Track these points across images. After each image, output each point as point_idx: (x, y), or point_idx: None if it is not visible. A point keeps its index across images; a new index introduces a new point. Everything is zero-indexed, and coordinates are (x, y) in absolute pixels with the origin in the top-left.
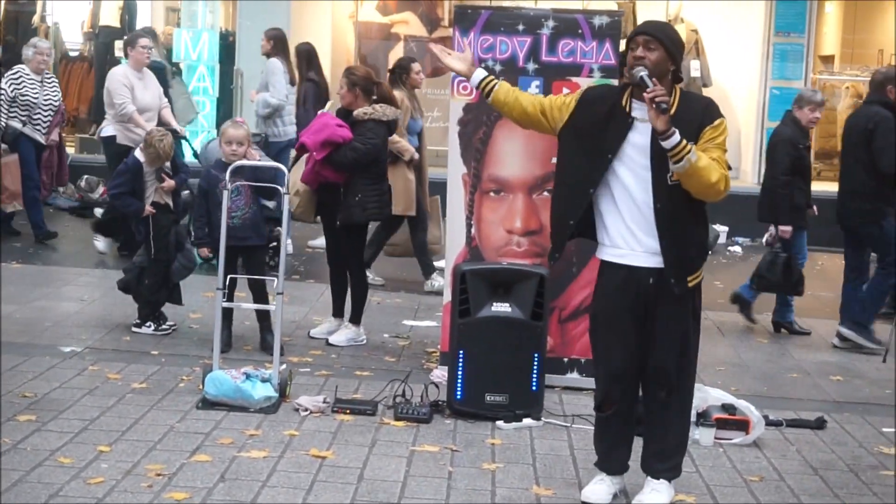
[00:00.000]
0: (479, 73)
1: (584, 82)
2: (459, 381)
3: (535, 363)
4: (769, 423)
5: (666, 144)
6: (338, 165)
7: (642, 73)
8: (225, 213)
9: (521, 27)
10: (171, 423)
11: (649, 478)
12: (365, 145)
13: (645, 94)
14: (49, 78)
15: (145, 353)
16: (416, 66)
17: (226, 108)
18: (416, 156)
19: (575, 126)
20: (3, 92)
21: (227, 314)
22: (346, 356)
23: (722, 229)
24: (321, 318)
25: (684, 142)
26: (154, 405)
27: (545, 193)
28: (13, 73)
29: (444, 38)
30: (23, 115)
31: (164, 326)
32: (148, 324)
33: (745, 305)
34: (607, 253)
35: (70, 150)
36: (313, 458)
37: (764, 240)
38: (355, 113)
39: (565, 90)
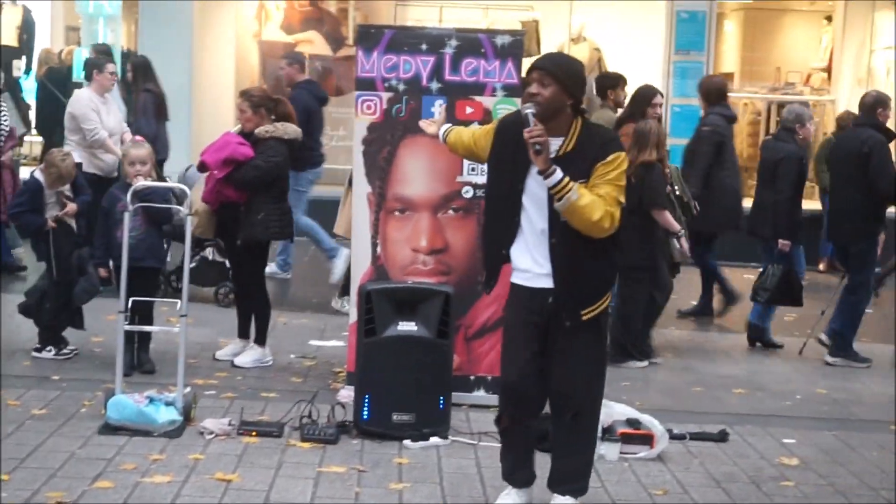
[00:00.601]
0: (443, 129)
1: (487, 101)
2: (366, 400)
3: (442, 382)
4: (673, 437)
5: (547, 183)
6: (239, 184)
7: (528, 110)
8: (126, 234)
9: (424, 46)
10: (72, 449)
11: (555, 494)
12: (267, 163)
13: (524, 134)
14: None
15: (46, 378)
16: None
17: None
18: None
19: (495, 155)
20: None
21: (130, 337)
22: (251, 378)
23: None
24: (227, 340)
25: (566, 180)
26: (55, 431)
27: (450, 212)
28: None
29: (349, 58)
30: None
31: (65, 350)
32: (49, 348)
33: (761, 333)
34: (517, 276)
35: None
36: (219, 481)
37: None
38: (257, 131)
39: (468, 109)
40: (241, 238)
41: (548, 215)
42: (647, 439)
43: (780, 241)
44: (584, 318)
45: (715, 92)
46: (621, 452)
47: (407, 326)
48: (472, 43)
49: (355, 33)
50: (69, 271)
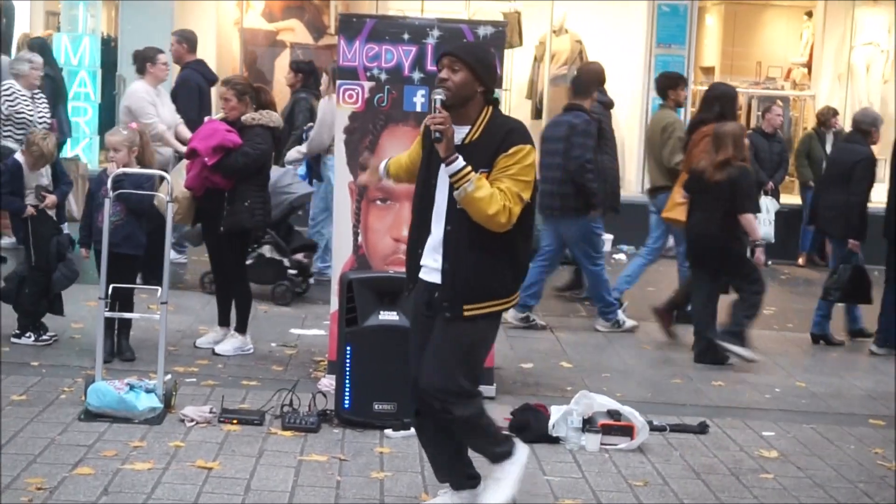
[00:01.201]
0: (381, 165)
1: None
2: (347, 389)
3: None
4: (653, 429)
5: (447, 171)
6: (228, 171)
7: (436, 96)
8: (106, 220)
9: (406, 36)
10: (52, 435)
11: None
12: (255, 150)
13: (426, 120)
14: (38, 94)
15: (25, 364)
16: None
17: (108, 115)
18: None
19: (422, 156)
20: None
21: (110, 324)
22: (232, 366)
23: (607, 237)
24: (207, 328)
25: (467, 170)
26: (34, 417)
27: None
28: (5, 90)
29: (330, 46)
30: (18, 134)
31: (44, 337)
32: (28, 334)
33: (827, 337)
34: (421, 270)
35: None
36: (199, 469)
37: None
38: (244, 118)
39: None
40: (226, 225)
41: (447, 205)
42: (628, 431)
43: (851, 240)
44: (466, 313)
45: (595, 79)
46: (602, 444)
47: (388, 316)
48: (454, 33)
49: (337, 22)
50: (48, 257)
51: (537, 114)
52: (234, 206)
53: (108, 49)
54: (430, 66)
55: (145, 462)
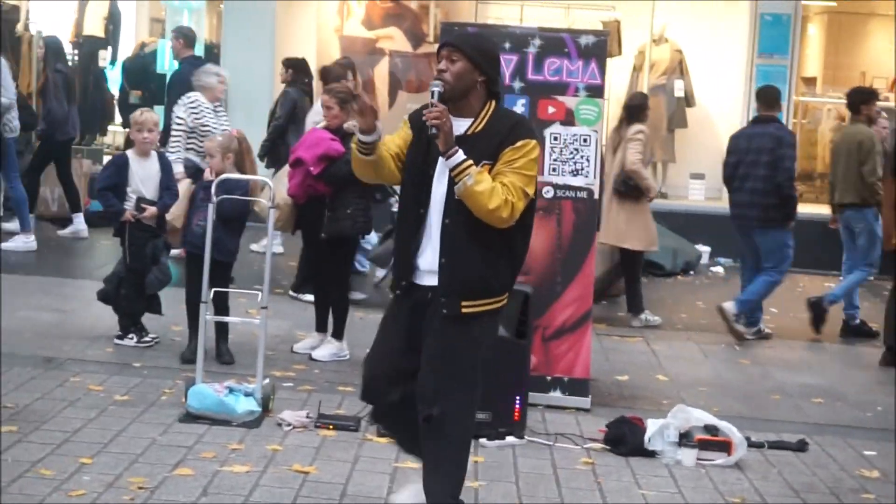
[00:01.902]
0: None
1: (569, 101)
2: None
3: (519, 382)
4: (751, 445)
5: (447, 164)
6: (333, 179)
7: (434, 88)
8: (210, 226)
9: (507, 45)
10: (153, 435)
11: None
12: None
13: (423, 114)
14: (219, 107)
15: (127, 364)
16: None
17: None
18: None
19: (410, 149)
20: (181, 121)
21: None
22: (328, 371)
23: (704, 250)
24: (305, 333)
25: (467, 163)
26: (136, 418)
27: None
28: (191, 102)
29: (429, 54)
30: (201, 147)
31: (146, 339)
32: (130, 336)
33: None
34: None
35: None
36: (296, 473)
37: None
38: (346, 126)
39: (550, 108)
40: (327, 232)
41: (446, 198)
42: (725, 446)
43: None
44: (464, 310)
45: (294, 65)
46: (698, 459)
47: None
48: (555, 43)
49: (436, 30)
50: (142, 260)
51: None
52: (335, 213)
53: (211, 56)
54: (532, 76)
55: (243, 465)
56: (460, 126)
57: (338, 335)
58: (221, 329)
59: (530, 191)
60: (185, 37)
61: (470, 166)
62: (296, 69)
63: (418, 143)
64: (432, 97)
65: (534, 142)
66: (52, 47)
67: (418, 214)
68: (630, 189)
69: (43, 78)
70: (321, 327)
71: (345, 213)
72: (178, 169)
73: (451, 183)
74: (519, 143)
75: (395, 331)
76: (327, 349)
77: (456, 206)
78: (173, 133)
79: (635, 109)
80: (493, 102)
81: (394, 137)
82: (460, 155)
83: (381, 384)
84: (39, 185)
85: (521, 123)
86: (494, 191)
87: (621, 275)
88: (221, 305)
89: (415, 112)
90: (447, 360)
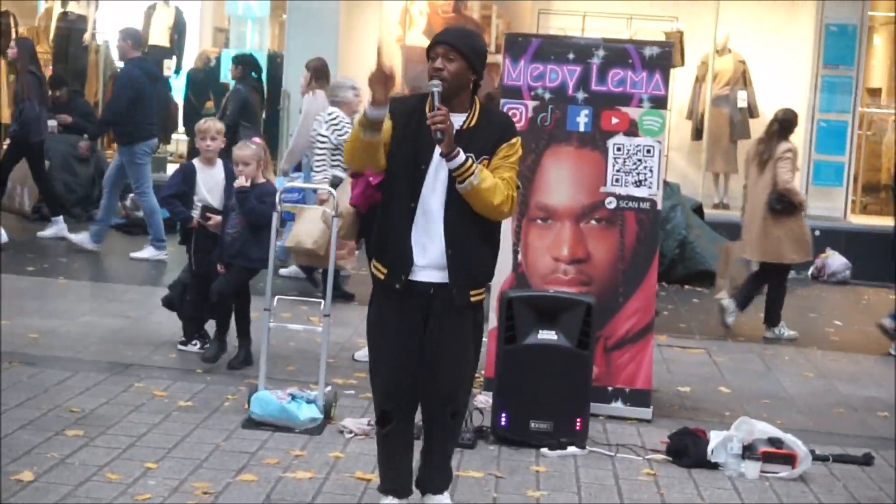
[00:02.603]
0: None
1: (633, 112)
2: (504, 407)
3: (581, 392)
4: (816, 458)
5: (450, 165)
6: None
7: (435, 88)
8: (274, 234)
9: (571, 56)
10: (216, 441)
11: (430, 494)
12: None
13: (428, 119)
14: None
15: (191, 370)
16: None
17: (272, 129)
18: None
19: (395, 142)
20: (325, 139)
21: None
22: None
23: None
24: (365, 341)
25: (469, 163)
26: (200, 423)
27: (592, 222)
28: (332, 119)
29: (490, 65)
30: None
31: (209, 345)
32: (194, 342)
33: None
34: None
35: None
36: (358, 480)
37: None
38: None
39: (614, 119)
40: None
41: (446, 191)
42: (790, 459)
43: None
44: (472, 299)
45: (242, 62)
46: (762, 471)
47: (548, 335)
48: (619, 53)
49: (499, 40)
50: (207, 266)
51: (697, 135)
52: None
53: (274, 65)
54: (595, 86)
55: (306, 471)
56: (458, 119)
57: None
58: (244, 332)
59: (519, 184)
60: (132, 38)
61: (472, 165)
62: (245, 65)
63: (404, 134)
64: (432, 98)
65: (520, 139)
66: (25, 49)
67: (410, 208)
68: (785, 206)
69: (16, 79)
70: None
71: None
72: (324, 187)
73: (450, 176)
74: (513, 140)
75: (406, 334)
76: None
77: (458, 199)
78: (318, 151)
79: (787, 124)
80: (478, 99)
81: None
82: (462, 156)
83: (408, 395)
84: (6, 184)
85: (510, 121)
86: (497, 187)
87: (761, 285)
88: (242, 312)
89: (398, 101)
90: (463, 353)
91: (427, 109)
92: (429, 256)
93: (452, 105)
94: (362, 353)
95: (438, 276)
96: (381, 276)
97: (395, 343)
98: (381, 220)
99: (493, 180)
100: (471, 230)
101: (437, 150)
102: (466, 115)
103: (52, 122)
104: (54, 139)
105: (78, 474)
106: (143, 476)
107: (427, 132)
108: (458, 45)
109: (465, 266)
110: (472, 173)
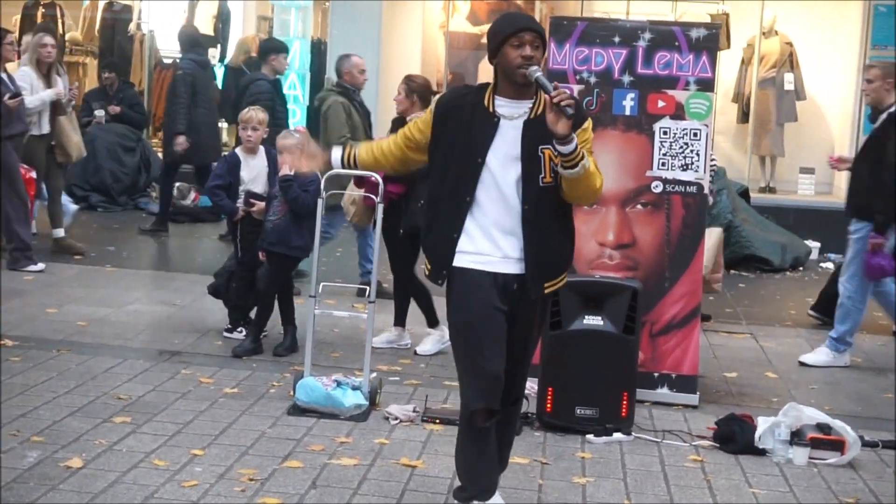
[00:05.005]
0: (336, 153)
1: (679, 95)
2: (549, 393)
3: (626, 378)
4: (865, 444)
5: (564, 149)
6: (400, 177)
7: (538, 74)
8: (319, 223)
9: (617, 39)
10: (262, 428)
11: None
12: None
13: (549, 98)
14: None
15: (237, 358)
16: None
17: (316, 116)
18: None
19: (439, 138)
20: None
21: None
22: (434, 366)
23: (814, 245)
24: (414, 328)
25: (579, 146)
26: (246, 410)
27: (638, 207)
28: None
29: None
30: None
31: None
32: (239, 329)
33: None
34: (468, 260)
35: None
36: (404, 466)
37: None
38: (409, 118)
39: (661, 102)
40: (404, 227)
41: (521, 182)
42: (838, 445)
43: None
44: (546, 290)
45: (188, 40)
46: (810, 458)
47: (593, 320)
48: (665, 36)
49: (543, 24)
50: (253, 253)
51: (744, 117)
52: (410, 207)
53: (318, 52)
54: (641, 69)
55: (351, 458)
56: (522, 108)
57: (432, 323)
58: (287, 320)
59: None
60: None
61: (580, 148)
62: (188, 44)
63: (456, 130)
64: (538, 82)
65: (590, 120)
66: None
67: (465, 202)
68: None
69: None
70: (399, 321)
71: (417, 206)
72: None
73: (528, 166)
74: (585, 125)
75: (499, 327)
76: (429, 342)
77: (536, 191)
78: None
79: None
80: None
81: (410, 128)
82: (576, 140)
83: (501, 378)
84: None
85: (580, 105)
86: (596, 170)
87: None
88: (286, 300)
89: (446, 97)
90: (528, 342)
91: (486, 101)
92: (504, 250)
93: (520, 92)
94: (379, 340)
95: (516, 268)
96: (427, 272)
97: (494, 335)
98: (429, 216)
99: (592, 162)
100: (549, 221)
101: (496, 140)
102: (533, 101)
103: (99, 112)
104: (101, 129)
105: (125, 461)
106: (190, 463)
107: (481, 124)
108: (542, 32)
109: (543, 259)
110: (583, 157)
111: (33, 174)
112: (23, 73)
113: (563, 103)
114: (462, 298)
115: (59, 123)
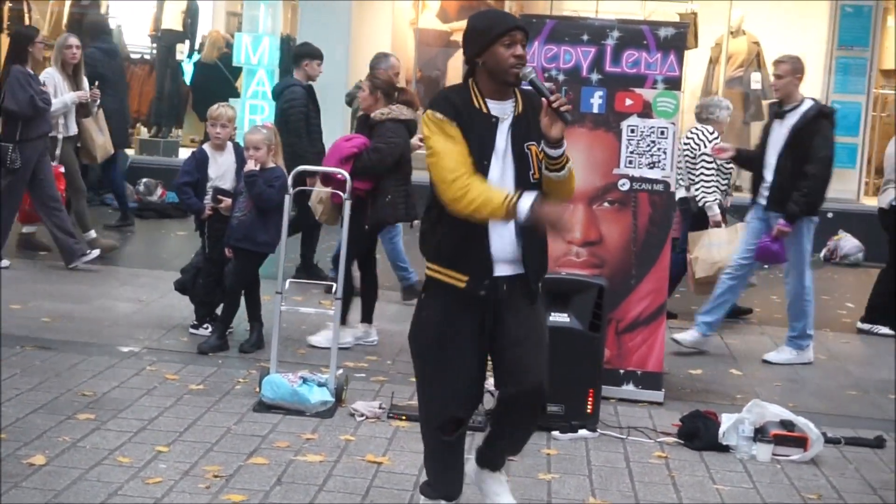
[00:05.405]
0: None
1: (647, 93)
2: None
3: (592, 375)
4: (828, 441)
5: (554, 153)
6: (363, 171)
7: (533, 75)
8: (286, 218)
9: (585, 37)
10: (228, 424)
11: (489, 470)
12: (387, 144)
13: (548, 103)
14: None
15: (202, 354)
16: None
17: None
18: None
19: (465, 141)
20: (710, 161)
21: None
22: (401, 362)
23: None
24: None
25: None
26: (211, 407)
27: (605, 204)
28: (714, 137)
29: None
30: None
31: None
32: (205, 325)
33: None
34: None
35: (129, 152)
36: (369, 463)
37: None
38: (373, 115)
39: (628, 101)
40: (370, 222)
41: (514, 182)
42: (801, 442)
43: None
44: (539, 291)
45: (94, 28)
46: (774, 454)
47: (559, 317)
48: (634, 34)
49: None
50: (220, 250)
51: None
52: (376, 202)
53: (287, 49)
54: (609, 68)
55: (317, 454)
56: (507, 107)
57: (365, 319)
58: (254, 316)
59: None
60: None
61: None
62: (94, 31)
63: (468, 133)
64: (532, 84)
65: None
66: None
67: None
68: None
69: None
70: (366, 318)
71: (384, 200)
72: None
73: (520, 166)
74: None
75: (477, 336)
76: (351, 333)
77: (528, 189)
78: (705, 173)
79: None
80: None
81: (459, 145)
82: (565, 143)
83: (478, 396)
84: None
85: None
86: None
87: None
88: (253, 296)
89: (447, 103)
90: (542, 337)
91: (476, 102)
92: (502, 251)
93: (502, 92)
94: (319, 339)
95: (510, 269)
96: (461, 285)
97: (468, 348)
98: (447, 225)
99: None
100: None
101: (495, 142)
102: (514, 101)
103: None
104: None
105: (89, 458)
106: (155, 459)
107: (481, 126)
108: (527, 31)
109: (538, 257)
110: (569, 159)
111: (62, 169)
112: (47, 75)
113: (562, 108)
114: (438, 310)
115: (83, 125)
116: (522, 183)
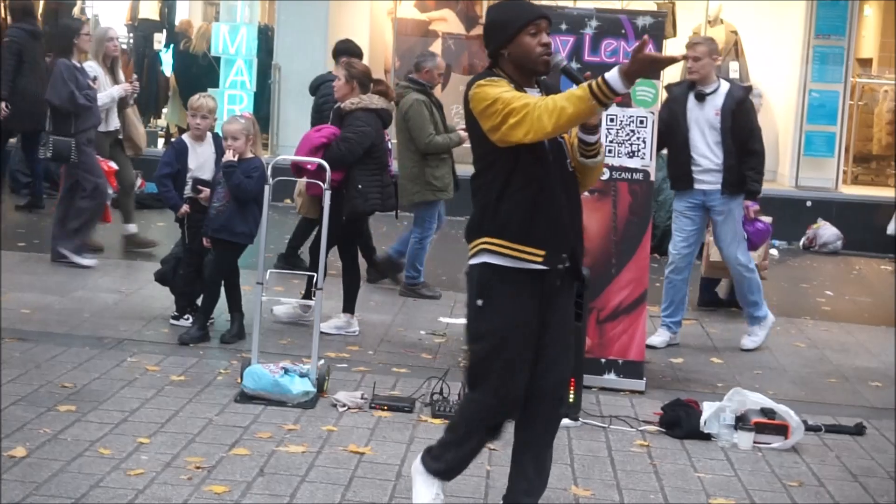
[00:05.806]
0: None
1: None
2: None
3: (574, 364)
4: (808, 429)
5: (591, 139)
6: (333, 161)
7: (565, 62)
8: (266, 208)
9: (564, 26)
10: (209, 415)
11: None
12: (356, 133)
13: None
14: None
15: (183, 345)
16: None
17: (263, 103)
18: None
19: None
20: None
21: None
22: (383, 353)
23: None
24: (358, 315)
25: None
26: (193, 398)
27: (585, 193)
28: None
29: (481, 37)
30: None
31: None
32: (186, 316)
33: None
34: (515, 261)
35: None
36: (351, 453)
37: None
38: (343, 105)
39: None
40: (346, 213)
41: (561, 171)
42: (782, 430)
43: None
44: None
45: (20, 9)
46: (755, 442)
47: None
48: (612, 24)
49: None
50: (200, 240)
51: None
52: (349, 193)
53: (265, 38)
54: (588, 56)
55: (299, 445)
56: (536, 96)
57: (349, 309)
58: (234, 307)
59: None
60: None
61: None
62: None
63: None
64: (565, 71)
65: None
66: None
67: (559, 184)
68: None
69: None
70: (348, 308)
71: (355, 191)
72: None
73: (557, 154)
74: None
75: (530, 346)
76: (333, 322)
77: (573, 182)
78: None
79: None
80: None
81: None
82: (601, 128)
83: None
84: None
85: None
86: None
87: None
88: (233, 287)
89: (487, 73)
90: (569, 332)
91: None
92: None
93: (532, 82)
94: (328, 325)
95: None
96: (538, 259)
97: (531, 343)
98: (509, 201)
99: None
100: (580, 207)
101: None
102: (538, 91)
103: None
104: None
105: (70, 450)
106: (136, 451)
107: None
108: (551, 20)
109: (581, 248)
110: (602, 144)
111: (114, 165)
112: (89, 68)
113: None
114: (506, 305)
115: (126, 117)
116: (567, 170)
